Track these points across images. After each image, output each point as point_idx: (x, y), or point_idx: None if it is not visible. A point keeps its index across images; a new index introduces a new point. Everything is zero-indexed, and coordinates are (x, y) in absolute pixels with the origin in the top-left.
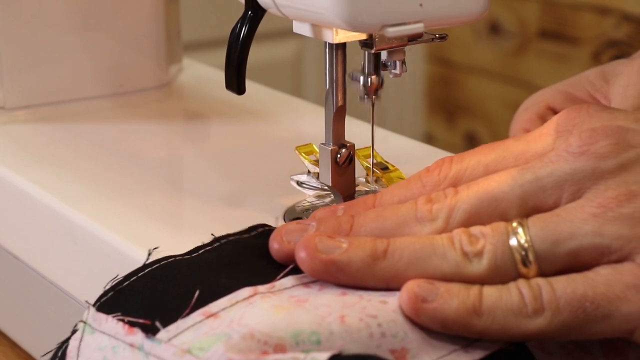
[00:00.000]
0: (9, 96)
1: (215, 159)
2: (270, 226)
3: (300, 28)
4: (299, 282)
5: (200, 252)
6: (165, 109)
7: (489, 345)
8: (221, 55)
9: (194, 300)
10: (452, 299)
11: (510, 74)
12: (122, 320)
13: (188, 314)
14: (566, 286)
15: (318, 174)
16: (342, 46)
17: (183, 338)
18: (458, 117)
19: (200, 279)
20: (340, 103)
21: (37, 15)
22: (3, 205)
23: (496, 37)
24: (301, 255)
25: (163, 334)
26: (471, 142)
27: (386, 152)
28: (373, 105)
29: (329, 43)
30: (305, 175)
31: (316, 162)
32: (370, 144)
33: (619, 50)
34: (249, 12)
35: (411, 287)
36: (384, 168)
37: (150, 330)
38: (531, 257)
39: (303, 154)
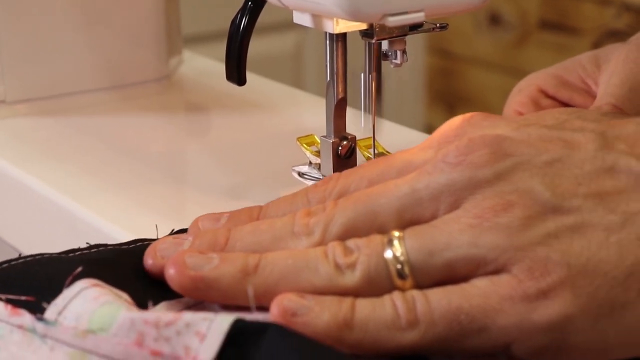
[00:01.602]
0: (10, 90)
1: (216, 150)
2: (151, 240)
3: (301, 18)
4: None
5: (77, 253)
6: (166, 101)
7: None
8: (221, 47)
9: (77, 271)
10: (324, 312)
11: (511, 65)
12: (1, 299)
13: (72, 282)
14: (441, 298)
15: (319, 164)
16: (342, 37)
17: (73, 309)
18: (458, 108)
19: (81, 263)
20: (341, 95)
21: (38, 8)
22: (4, 199)
23: (496, 28)
24: (170, 272)
25: (52, 309)
26: None
27: (387, 142)
28: (374, 96)
29: (329, 33)
30: (307, 166)
31: (317, 153)
32: (372, 135)
33: (619, 40)
34: (249, 3)
35: (281, 301)
36: None
37: (36, 309)
38: (407, 269)
39: (304, 145)
